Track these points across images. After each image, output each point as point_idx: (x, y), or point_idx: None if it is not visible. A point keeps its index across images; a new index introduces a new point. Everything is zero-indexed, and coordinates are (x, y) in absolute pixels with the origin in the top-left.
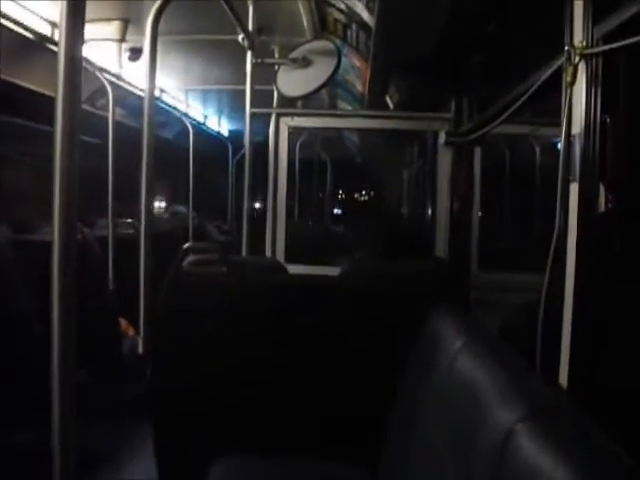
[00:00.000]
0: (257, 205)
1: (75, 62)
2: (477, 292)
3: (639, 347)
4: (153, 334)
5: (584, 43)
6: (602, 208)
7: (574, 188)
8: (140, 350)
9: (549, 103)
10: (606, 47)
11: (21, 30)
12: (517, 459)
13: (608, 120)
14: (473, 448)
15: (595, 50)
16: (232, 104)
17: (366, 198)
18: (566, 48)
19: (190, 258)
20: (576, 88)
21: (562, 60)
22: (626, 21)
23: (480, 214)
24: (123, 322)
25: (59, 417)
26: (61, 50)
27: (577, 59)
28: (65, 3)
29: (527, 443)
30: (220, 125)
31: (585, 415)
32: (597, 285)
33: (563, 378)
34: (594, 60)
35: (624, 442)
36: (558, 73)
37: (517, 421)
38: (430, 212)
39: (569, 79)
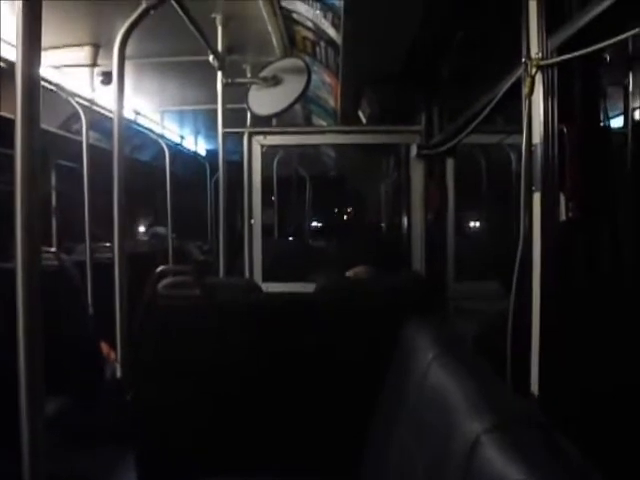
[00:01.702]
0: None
1: (33, 84)
2: (455, 302)
3: (606, 354)
4: (131, 357)
5: (540, 55)
6: (563, 217)
7: (536, 197)
8: (118, 374)
9: (518, 112)
10: (560, 58)
11: None
12: (483, 470)
13: (565, 130)
14: (443, 459)
15: (550, 61)
16: (208, 124)
17: (345, 212)
18: (523, 60)
19: (164, 281)
20: (534, 99)
21: (520, 71)
22: (579, 32)
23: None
24: (105, 346)
25: (28, 448)
26: (18, 72)
27: (534, 70)
28: (21, 24)
29: (493, 454)
30: (197, 145)
31: (553, 426)
32: (563, 293)
33: (534, 387)
34: (550, 71)
35: (593, 452)
36: (519, 83)
37: (483, 432)
38: (406, 225)
39: (527, 90)
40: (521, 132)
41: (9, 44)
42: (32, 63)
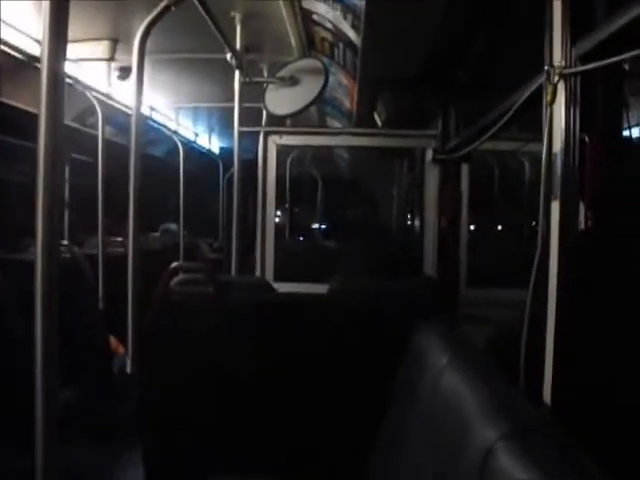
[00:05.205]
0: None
1: (58, 79)
2: (465, 308)
3: (621, 364)
4: (141, 352)
5: (563, 63)
6: (582, 226)
7: (555, 206)
8: (128, 369)
9: (536, 119)
10: (584, 67)
11: (11, 51)
12: (497, 477)
13: (587, 139)
14: (456, 466)
15: (573, 70)
16: (222, 122)
17: (357, 214)
18: (546, 68)
19: (177, 277)
20: (556, 107)
21: (542, 79)
22: (603, 41)
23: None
24: (113, 340)
25: (42, 439)
26: (44, 68)
27: (556, 78)
28: (48, 21)
29: (507, 461)
30: (211, 143)
31: (567, 434)
32: (579, 302)
33: (547, 395)
34: (573, 80)
35: (606, 461)
36: (539, 91)
37: (498, 439)
38: (419, 229)
39: (549, 98)
40: (540, 140)
41: (33, 40)
42: (57, 59)
